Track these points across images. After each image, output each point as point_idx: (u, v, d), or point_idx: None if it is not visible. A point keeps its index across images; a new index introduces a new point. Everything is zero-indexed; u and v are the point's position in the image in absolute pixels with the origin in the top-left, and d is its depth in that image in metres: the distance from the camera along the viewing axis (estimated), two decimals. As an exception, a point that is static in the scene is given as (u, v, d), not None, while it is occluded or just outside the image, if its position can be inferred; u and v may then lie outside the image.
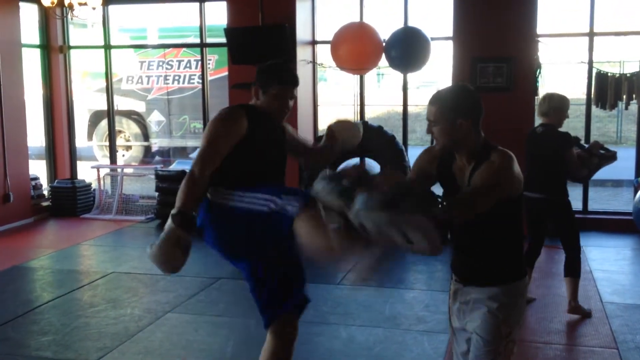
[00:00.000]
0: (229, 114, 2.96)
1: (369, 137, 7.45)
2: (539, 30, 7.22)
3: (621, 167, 6.63)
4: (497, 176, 2.33)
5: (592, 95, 7.32)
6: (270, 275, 2.99)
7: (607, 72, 7.29)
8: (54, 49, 8.78)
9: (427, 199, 2.21)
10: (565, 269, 4.74)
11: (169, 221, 2.80)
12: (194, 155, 12.28)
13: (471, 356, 2.50)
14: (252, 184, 2.93)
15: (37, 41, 8.73)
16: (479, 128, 2.43)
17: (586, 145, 4.85)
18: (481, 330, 2.45)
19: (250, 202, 2.84)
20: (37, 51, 8.75)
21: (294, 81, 3.06)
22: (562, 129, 4.68)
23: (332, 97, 15.29)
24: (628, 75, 7.17)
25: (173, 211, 2.80)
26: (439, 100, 2.41)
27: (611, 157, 4.75)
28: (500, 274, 2.48)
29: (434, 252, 2.16)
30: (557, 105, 4.62)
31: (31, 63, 8.77)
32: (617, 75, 7.24)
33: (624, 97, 7.16)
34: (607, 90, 7.15)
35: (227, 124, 2.93)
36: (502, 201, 2.35)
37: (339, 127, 3.28)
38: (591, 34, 7.33)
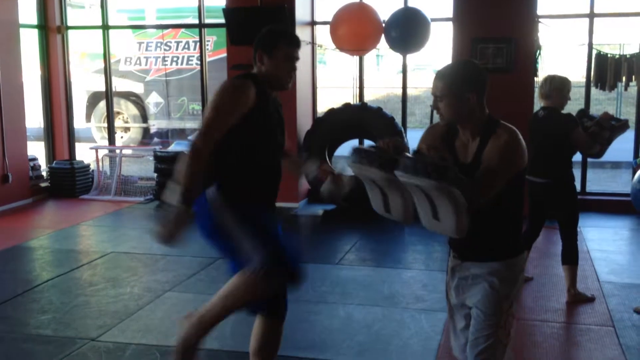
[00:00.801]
0: (238, 84, 2.81)
1: (368, 119, 7.50)
2: (539, 11, 7.19)
3: (620, 149, 6.64)
4: (510, 154, 2.35)
5: (592, 76, 7.30)
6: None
7: (607, 53, 7.27)
8: (51, 30, 8.74)
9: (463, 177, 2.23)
10: (563, 256, 4.69)
11: (176, 199, 2.68)
12: (192, 136, 12.32)
13: (472, 330, 2.50)
14: (259, 161, 2.86)
15: (34, 21, 8.68)
16: (484, 103, 2.44)
17: (596, 116, 4.70)
18: (482, 305, 2.47)
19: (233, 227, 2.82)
20: (35, 32, 8.71)
21: (298, 41, 2.96)
22: (564, 111, 4.61)
23: (331, 80, 15.26)
24: (628, 56, 7.15)
25: (180, 189, 2.68)
26: (445, 74, 2.42)
27: (622, 126, 4.60)
28: (500, 249, 2.49)
29: (459, 232, 2.24)
30: (559, 86, 4.53)
31: (29, 44, 8.73)
32: (617, 56, 7.22)
33: (624, 78, 7.15)
34: (607, 71, 7.14)
35: (236, 94, 2.78)
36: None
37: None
38: (591, 15, 7.30)
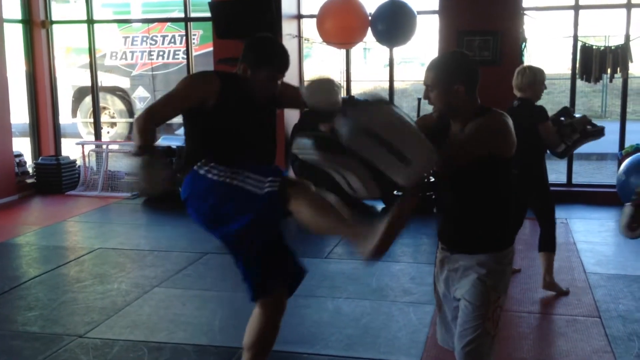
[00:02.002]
0: (200, 75, 2.90)
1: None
2: (524, 4, 7.21)
3: (606, 141, 6.64)
4: (485, 133, 2.36)
5: (577, 68, 7.34)
6: (254, 250, 2.91)
7: (591, 45, 7.31)
8: (36, 24, 8.67)
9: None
10: (540, 243, 4.68)
11: (137, 159, 2.70)
12: (180, 131, 12.25)
13: (459, 322, 2.51)
14: (231, 159, 2.79)
15: (19, 16, 8.60)
16: (476, 94, 2.44)
17: (578, 117, 4.67)
18: (470, 296, 2.47)
19: (235, 179, 2.71)
20: (19, 26, 8.63)
21: (287, 65, 2.91)
22: (543, 103, 4.60)
23: (317, 74, 15.22)
24: (612, 47, 7.19)
25: (135, 150, 2.71)
26: (436, 65, 2.44)
27: (596, 133, 4.57)
28: (489, 241, 2.50)
29: (370, 194, 2.24)
30: (531, 78, 4.48)
31: (13, 38, 8.65)
32: (602, 48, 7.25)
33: (609, 70, 7.19)
34: (592, 63, 7.17)
35: (192, 83, 2.89)
36: (487, 161, 2.37)
37: (310, 88, 3.03)
38: (576, 7, 7.34)
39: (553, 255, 4.67)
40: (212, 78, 2.86)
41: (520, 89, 4.56)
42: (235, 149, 2.87)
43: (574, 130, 4.53)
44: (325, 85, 2.96)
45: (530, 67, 4.57)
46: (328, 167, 2.30)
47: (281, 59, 2.90)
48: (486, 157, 2.38)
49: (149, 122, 2.75)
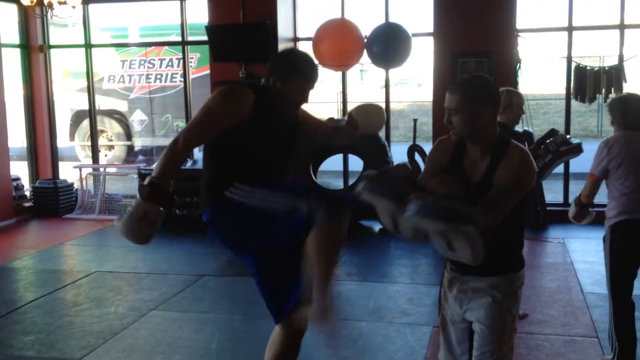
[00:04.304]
0: (233, 90, 2.74)
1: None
2: (518, 25, 7.28)
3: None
4: (523, 176, 2.36)
5: (572, 89, 7.39)
6: (275, 273, 2.87)
7: (585, 66, 7.37)
8: (34, 49, 8.73)
9: (474, 210, 2.21)
10: None
11: (137, 194, 2.65)
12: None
13: (476, 345, 2.49)
14: (256, 175, 2.73)
15: (17, 41, 8.66)
16: (496, 120, 2.43)
17: (572, 138, 4.57)
18: (486, 320, 2.45)
19: (264, 200, 2.64)
20: (17, 51, 8.69)
21: (316, 76, 2.87)
22: (539, 124, 4.57)
23: (314, 95, 15.29)
24: (607, 68, 7.25)
25: (144, 182, 2.63)
26: (462, 88, 2.39)
27: (569, 151, 4.41)
28: (502, 263, 2.48)
29: (475, 260, 2.22)
30: (506, 102, 4.19)
31: (11, 63, 8.70)
32: (596, 68, 7.32)
33: (603, 90, 7.24)
34: (586, 83, 7.23)
35: (229, 100, 2.70)
36: None
37: (360, 113, 3.13)
38: (570, 29, 7.41)
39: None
40: (246, 93, 2.73)
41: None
42: (265, 166, 2.80)
43: (547, 151, 4.41)
44: (373, 111, 3.12)
45: (507, 90, 4.35)
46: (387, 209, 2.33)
47: (311, 70, 2.87)
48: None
49: (184, 151, 2.68)
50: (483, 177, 2.39)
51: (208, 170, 2.85)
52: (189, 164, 8.45)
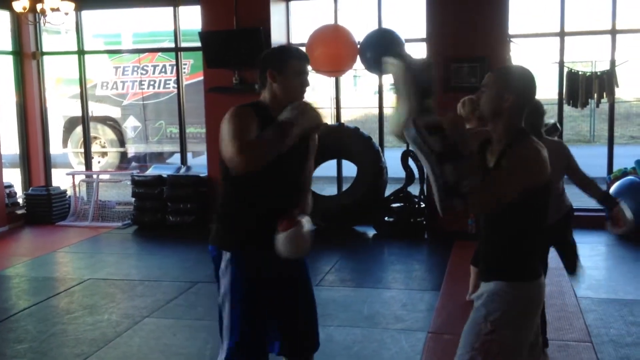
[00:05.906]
0: (239, 109, 2.67)
1: (346, 139, 7.55)
2: (511, 31, 7.31)
3: (594, 165, 6.73)
4: (528, 165, 2.30)
5: (564, 94, 7.42)
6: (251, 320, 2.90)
7: (577, 71, 7.40)
8: (26, 55, 8.71)
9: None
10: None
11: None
12: (171, 160, 12.22)
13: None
14: (262, 193, 2.75)
15: (9, 47, 8.65)
16: (522, 115, 2.40)
17: None
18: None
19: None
20: (10, 58, 8.67)
21: (307, 56, 2.86)
22: None
23: (308, 100, 15.29)
24: (599, 73, 7.28)
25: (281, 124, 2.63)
26: (499, 70, 2.52)
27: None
28: (502, 269, 2.39)
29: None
30: (471, 107, 4.16)
31: (3, 70, 8.69)
32: (588, 73, 7.35)
33: (595, 95, 7.27)
34: (578, 88, 7.26)
35: (242, 116, 2.64)
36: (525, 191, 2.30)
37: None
38: (562, 34, 7.45)
39: None
40: (248, 111, 2.69)
41: (467, 119, 4.41)
42: (266, 179, 2.73)
43: None
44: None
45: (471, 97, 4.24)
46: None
47: (299, 50, 2.87)
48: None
49: (253, 146, 2.57)
50: (496, 162, 2.38)
51: (224, 201, 2.86)
52: (182, 170, 8.46)
